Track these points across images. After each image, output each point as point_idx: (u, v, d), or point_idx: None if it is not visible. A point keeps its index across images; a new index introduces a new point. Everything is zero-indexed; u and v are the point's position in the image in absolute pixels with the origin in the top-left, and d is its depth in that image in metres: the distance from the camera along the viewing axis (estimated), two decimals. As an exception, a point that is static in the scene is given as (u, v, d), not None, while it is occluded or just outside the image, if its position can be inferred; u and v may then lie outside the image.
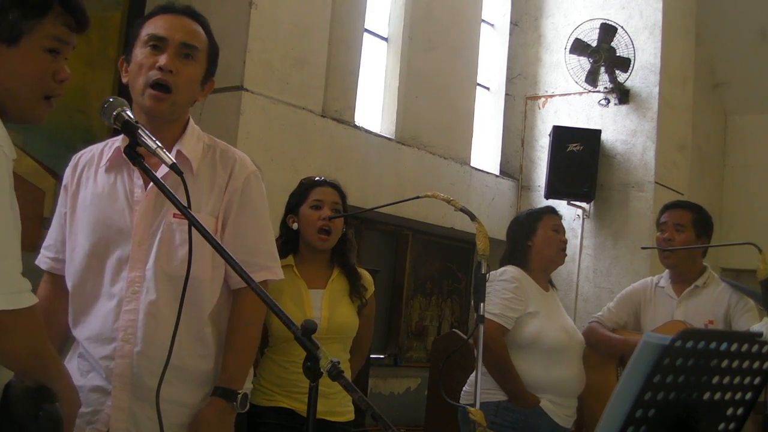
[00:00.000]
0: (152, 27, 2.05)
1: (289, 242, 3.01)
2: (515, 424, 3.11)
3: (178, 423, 1.98)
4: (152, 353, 1.96)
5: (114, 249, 2.01)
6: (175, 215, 2.00)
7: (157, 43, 2.02)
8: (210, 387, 2.04)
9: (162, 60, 1.99)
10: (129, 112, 1.73)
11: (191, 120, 2.14)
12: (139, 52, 2.03)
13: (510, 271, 3.27)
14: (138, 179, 2.03)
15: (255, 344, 2.15)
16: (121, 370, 1.96)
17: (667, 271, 3.58)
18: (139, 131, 1.69)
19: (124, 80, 2.08)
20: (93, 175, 2.08)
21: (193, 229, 1.98)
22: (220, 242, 1.99)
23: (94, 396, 1.97)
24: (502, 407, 3.11)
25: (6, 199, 1.47)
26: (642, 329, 3.50)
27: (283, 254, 3.00)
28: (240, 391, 2.06)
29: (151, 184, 2.00)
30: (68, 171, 2.14)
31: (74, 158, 2.15)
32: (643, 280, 3.69)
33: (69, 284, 2.07)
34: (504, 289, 3.17)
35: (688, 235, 3.48)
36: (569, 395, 3.24)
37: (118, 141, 2.07)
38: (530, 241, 3.36)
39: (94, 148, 2.15)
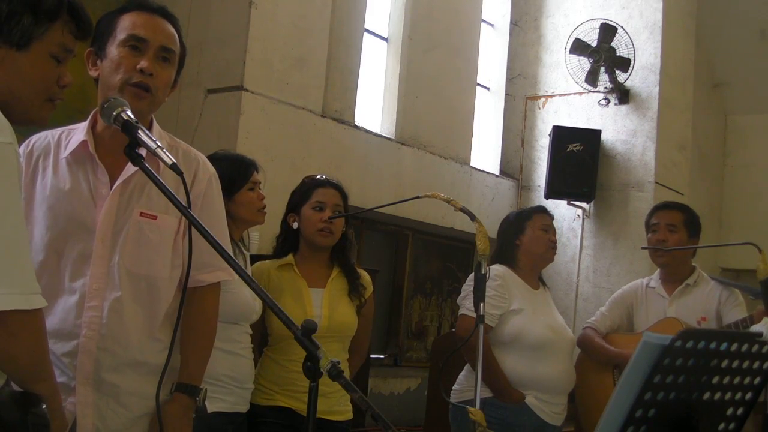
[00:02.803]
0: (131, 26, 2.01)
1: (288, 240, 3.01)
2: (501, 420, 3.12)
3: (142, 414, 1.99)
4: (115, 350, 1.97)
5: (75, 244, 1.98)
6: (142, 214, 2.00)
7: (137, 44, 1.99)
8: (167, 377, 2.04)
9: (143, 63, 1.97)
10: (129, 112, 1.73)
11: (154, 119, 2.13)
12: (116, 51, 1.99)
13: (494, 269, 3.28)
14: (103, 175, 2.00)
15: (213, 340, 2.16)
16: (84, 366, 1.95)
17: (657, 271, 3.61)
18: (139, 131, 1.68)
19: (93, 74, 2.05)
20: (51, 165, 2.04)
21: (158, 228, 2.00)
22: (181, 243, 1.99)
23: None
24: (488, 404, 3.11)
25: (17, 192, 1.47)
26: (635, 330, 3.51)
27: (282, 253, 3.01)
28: (202, 387, 2.08)
29: (118, 181, 1.99)
30: (21, 157, 2.06)
31: (26, 144, 2.09)
32: (633, 282, 3.72)
33: None
34: (486, 287, 3.18)
35: (680, 235, 3.51)
36: (556, 392, 3.25)
37: (80, 133, 2.04)
38: (518, 240, 3.38)
39: (50, 135, 2.09)
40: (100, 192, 2.00)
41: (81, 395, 1.95)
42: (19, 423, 1.50)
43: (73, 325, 1.96)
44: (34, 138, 2.10)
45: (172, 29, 2.07)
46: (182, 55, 2.12)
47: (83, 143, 2.02)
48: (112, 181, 2.00)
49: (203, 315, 2.12)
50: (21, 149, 2.08)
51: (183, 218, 2.02)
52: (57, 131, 2.11)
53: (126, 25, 2.01)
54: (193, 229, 1.96)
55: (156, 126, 2.12)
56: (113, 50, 2.00)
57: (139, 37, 2.00)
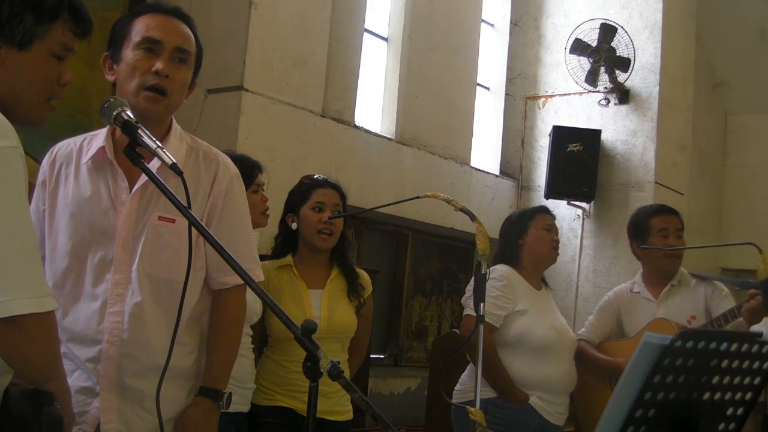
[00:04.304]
0: (145, 28, 2.01)
1: (287, 241, 3.01)
2: (505, 420, 3.13)
3: (167, 418, 1.98)
4: (138, 355, 1.97)
5: (97, 250, 1.99)
6: (160, 218, 1.99)
7: (152, 47, 1.99)
8: (193, 382, 2.05)
9: (158, 65, 1.97)
10: (129, 112, 1.72)
11: (174, 121, 2.12)
12: (132, 54, 1.99)
13: (499, 269, 3.29)
14: (122, 181, 2.01)
15: (238, 344, 2.15)
16: (108, 372, 1.95)
17: (638, 275, 3.63)
18: (139, 131, 1.68)
19: (110, 79, 2.05)
20: (73, 172, 2.05)
21: (177, 231, 1.99)
22: (203, 245, 1.99)
23: (79, 397, 1.95)
24: (492, 404, 3.12)
25: (23, 196, 1.47)
26: (626, 335, 3.52)
27: (281, 253, 3.01)
28: (225, 391, 2.08)
29: (137, 185, 1.99)
30: (45, 166, 2.08)
31: (50, 152, 2.10)
32: (615, 289, 3.72)
33: (49, 283, 2.00)
34: (491, 287, 3.18)
35: (683, 240, 3.55)
36: (559, 392, 3.26)
37: (99, 139, 2.04)
38: (522, 240, 3.38)
39: (72, 143, 2.10)
40: (120, 197, 2.00)
41: (105, 401, 1.95)
42: (33, 421, 1.51)
43: (95, 331, 1.96)
44: (58, 146, 2.12)
45: (188, 30, 2.07)
46: (199, 56, 2.11)
47: (102, 149, 2.02)
48: (132, 186, 2.00)
49: (228, 317, 2.11)
50: (45, 159, 2.10)
51: (204, 220, 2.01)
52: (79, 138, 2.11)
53: (140, 28, 2.01)
54: (221, 231, 1.97)
55: (176, 127, 2.11)
56: (128, 53, 2.00)
57: (154, 39, 1.99)
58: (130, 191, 2.00)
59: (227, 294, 2.10)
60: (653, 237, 3.54)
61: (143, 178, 1.98)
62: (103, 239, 1.99)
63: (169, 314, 1.98)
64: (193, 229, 1.99)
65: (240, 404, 2.71)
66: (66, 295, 1.99)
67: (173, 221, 2.00)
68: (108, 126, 2.04)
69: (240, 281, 2.08)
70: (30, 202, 1.65)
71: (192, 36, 2.08)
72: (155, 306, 1.99)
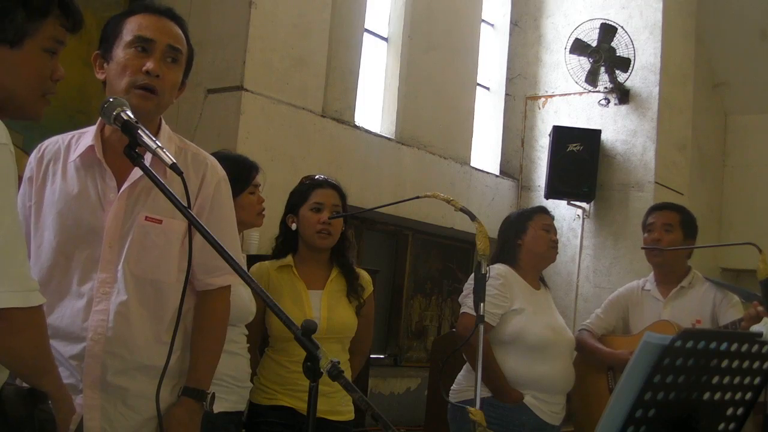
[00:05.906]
0: (137, 27, 2.02)
1: (287, 242, 3.01)
2: (499, 420, 3.13)
3: (150, 416, 2.00)
4: (122, 353, 1.97)
5: (84, 248, 1.99)
6: (147, 218, 2.00)
7: (144, 46, 2.00)
8: (175, 380, 2.06)
9: (150, 64, 1.98)
10: (129, 112, 1.73)
11: (163, 121, 2.12)
12: (123, 53, 2.00)
13: (496, 268, 3.29)
14: (111, 180, 2.01)
15: (222, 345, 2.16)
16: (91, 369, 1.96)
17: (651, 274, 3.62)
18: (139, 131, 1.68)
19: (100, 77, 2.05)
20: (61, 169, 2.05)
21: (163, 232, 2.00)
22: (191, 247, 2.00)
23: None
24: (486, 403, 3.11)
25: (12, 192, 1.47)
26: (630, 332, 3.52)
27: (281, 254, 3.01)
28: (209, 392, 2.09)
29: (125, 185, 2.00)
30: (33, 162, 2.08)
31: (38, 149, 2.10)
32: (628, 285, 3.73)
33: None
34: (488, 285, 3.18)
35: (676, 235, 3.52)
36: (555, 392, 3.26)
37: (88, 137, 2.04)
38: (520, 239, 3.39)
39: (60, 140, 2.10)
40: (108, 197, 2.00)
41: (88, 398, 1.95)
42: (26, 419, 1.51)
43: (80, 329, 1.96)
44: (46, 143, 2.11)
45: (179, 30, 2.08)
46: (190, 57, 2.12)
47: (90, 148, 2.02)
48: (120, 185, 2.01)
49: (213, 318, 2.12)
50: (33, 154, 2.09)
51: None
52: (68, 135, 2.11)
53: (132, 27, 2.02)
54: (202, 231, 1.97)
55: (165, 128, 2.12)
56: (119, 52, 2.00)
57: (146, 38, 2.00)
58: (118, 191, 2.01)
59: (213, 295, 2.11)
60: (645, 234, 3.57)
61: (131, 177, 1.99)
62: (91, 237, 1.99)
63: (154, 314, 2.01)
64: (183, 229, 2.01)
65: (237, 403, 2.72)
66: (51, 292, 1.99)
67: (160, 222, 2.01)
68: (97, 124, 2.04)
69: (225, 283, 2.11)
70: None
71: (183, 36, 2.09)
72: (140, 306, 2.00)
